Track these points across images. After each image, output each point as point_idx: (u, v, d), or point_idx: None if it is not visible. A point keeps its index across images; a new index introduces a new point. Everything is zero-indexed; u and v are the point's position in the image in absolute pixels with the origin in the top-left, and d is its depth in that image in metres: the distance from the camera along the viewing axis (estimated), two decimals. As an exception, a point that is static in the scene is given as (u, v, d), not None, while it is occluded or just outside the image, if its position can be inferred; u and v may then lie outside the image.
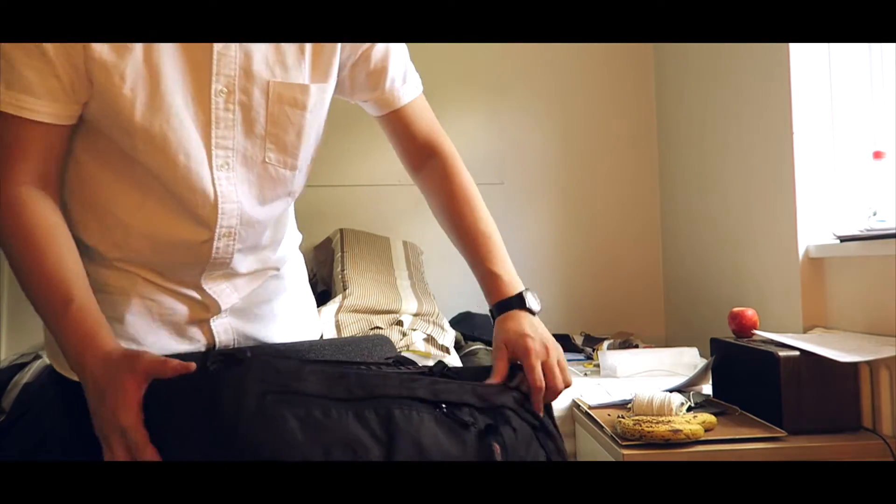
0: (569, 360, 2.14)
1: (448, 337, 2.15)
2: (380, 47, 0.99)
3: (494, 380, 0.85)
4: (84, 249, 0.90)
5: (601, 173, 2.82)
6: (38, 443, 1.48)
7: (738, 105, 2.11)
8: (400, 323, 2.09)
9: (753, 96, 2.00)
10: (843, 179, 1.74)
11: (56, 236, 0.84)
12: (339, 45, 0.95)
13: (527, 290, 0.95)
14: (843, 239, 1.64)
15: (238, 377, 0.69)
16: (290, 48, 0.92)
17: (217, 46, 0.86)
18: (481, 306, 2.57)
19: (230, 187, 0.92)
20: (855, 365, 1.35)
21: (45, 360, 1.83)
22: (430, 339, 2.04)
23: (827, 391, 1.34)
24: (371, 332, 2.02)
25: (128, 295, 0.95)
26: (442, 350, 2.03)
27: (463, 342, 2.32)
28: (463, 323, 2.48)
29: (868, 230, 1.57)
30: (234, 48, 0.87)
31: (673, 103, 2.68)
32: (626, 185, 2.82)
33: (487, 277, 0.97)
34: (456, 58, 2.68)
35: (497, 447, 0.73)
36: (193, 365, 0.71)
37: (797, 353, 1.35)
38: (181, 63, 0.86)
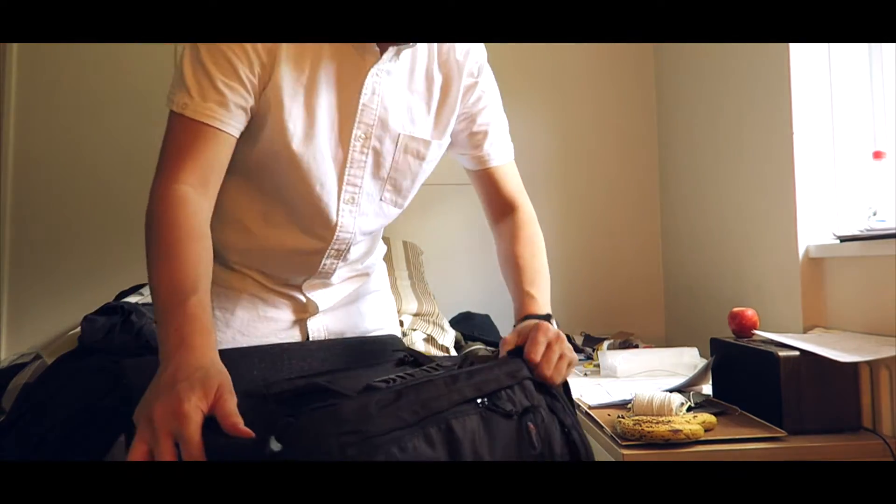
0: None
1: (448, 337, 2.15)
2: (486, 114, 1.15)
3: (503, 349, 0.89)
4: None
5: (601, 173, 2.82)
6: (38, 443, 1.48)
7: (738, 105, 2.11)
8: (400, 323, 2.09)
9: (753, 96, 2.00)
10: (843, 179, 1.74)
11: (200, 247, 0.87)
12: (457, 107, 1.10)
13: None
14: (843, 239, 1.64)
15: (315, 430, 0.65)
16: (419, 107, 1.06)
17: (363, 99, 1.00)
18: (481, 306, 2.59)
19: (350, 219, 1.06)
20: (855, 365, 1.35)
21: (46, 360, 1.83)
22: (430, 339, 2.04)
23: (827, 391, 1.34)
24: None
25: (240, 292, 1.10)
26: (442, 350, 2.03)
27: (463, 342, 2.32)
28: (463, 323, 2.48)
29: (868, 230, 1.57)
30: (376, 102, 1.01)
31: (673, 103, 2.68)
32: (626, 184, 2.82)
33: (523, 297, 1.03)
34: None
35: (532, 427, 0.78)
36: (251, 433, 0.66)
37: (797, 353, 1.35)
38: (332, 109, 0.99)
